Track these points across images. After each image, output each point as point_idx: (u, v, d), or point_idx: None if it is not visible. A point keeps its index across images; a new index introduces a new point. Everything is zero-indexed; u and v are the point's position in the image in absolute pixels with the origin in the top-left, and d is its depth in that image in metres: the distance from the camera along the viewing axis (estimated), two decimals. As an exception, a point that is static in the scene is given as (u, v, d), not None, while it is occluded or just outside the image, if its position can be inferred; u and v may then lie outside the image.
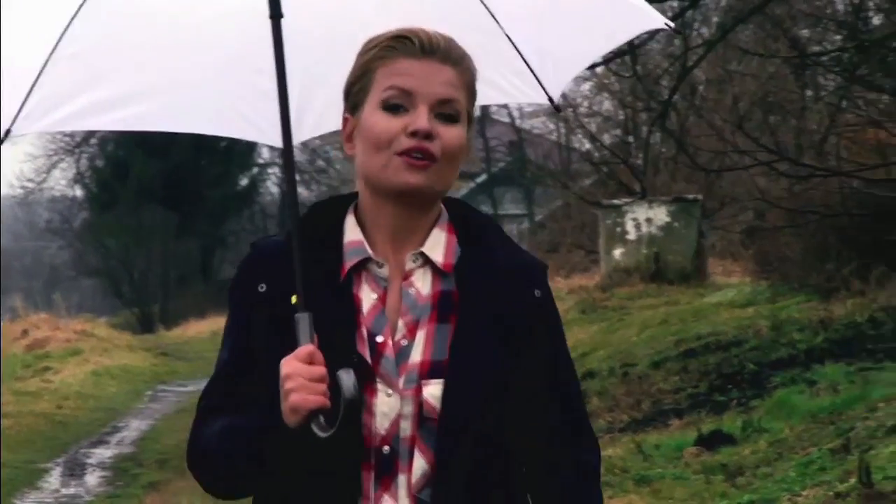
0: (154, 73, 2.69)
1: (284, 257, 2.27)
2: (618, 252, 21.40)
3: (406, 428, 2.23)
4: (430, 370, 2.23)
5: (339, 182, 36.40)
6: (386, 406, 2.23)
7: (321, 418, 2.14)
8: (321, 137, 2.89)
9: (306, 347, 2.17)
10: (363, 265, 2.29)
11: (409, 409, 2.22)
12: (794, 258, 15.09)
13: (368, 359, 2.23)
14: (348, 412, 2.13)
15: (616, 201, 22.14)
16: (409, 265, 2.29)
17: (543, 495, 2.33)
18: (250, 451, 2.22)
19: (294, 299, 2.21)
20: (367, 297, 2.27)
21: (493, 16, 2.71)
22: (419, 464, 2.23)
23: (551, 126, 31.93)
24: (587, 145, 28.46)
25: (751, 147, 13.03)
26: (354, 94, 2.30)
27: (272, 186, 42.86)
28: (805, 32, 15.64)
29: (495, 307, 2.26)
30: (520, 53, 2.73)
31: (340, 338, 2.22)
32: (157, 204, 37.04)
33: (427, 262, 2.29)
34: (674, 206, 21.29)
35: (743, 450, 8.63)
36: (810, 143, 15.99)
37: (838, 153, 14.20)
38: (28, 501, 11.02)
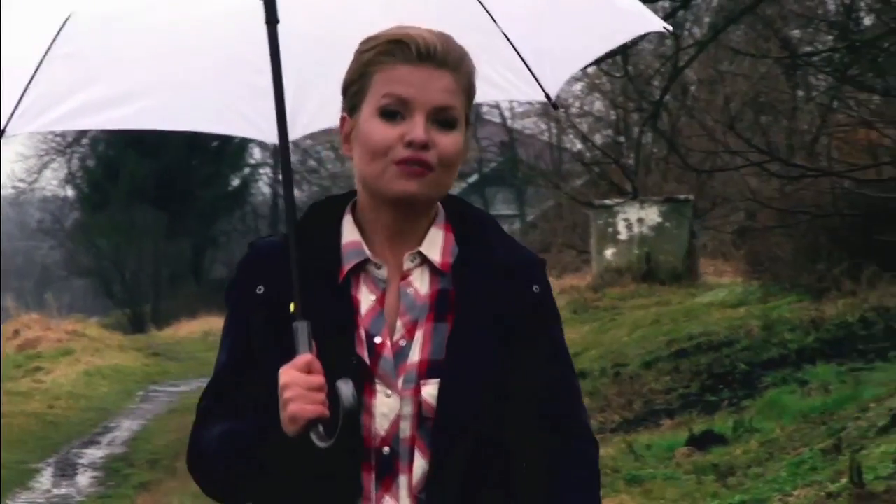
0: (153, 72, 2.69)
1: (283, 258, 2.27)
2: (609, 252, 21.40)
3: (406, 428, 2.23)
4: (428, 370, 2.23)
5: (331, 182, 36.30)
6: (385, 407, 2.23)
7: (320, 427, 2.14)
8: (312, 137, 2.90)
9: (304, 357, 2.17)
10: (362, 266, 2.29)
11: (408, 409, 2.22)
12: (785, 258, 15.09)
13: (367, 360, 2.23)
14: (347, 422, 2.13)
15: (607, 201, 22.16)
16: (407, 265, 2.29)
17: (542, 493, 2.31)
18: (249, 455, 2.22)
19: (292, 307, 2.21)
20: (366, 298, 2.27)
21: (490, 15, 2.71)
22: (419, 464, 2.23)
23: (543, 126, 31.95)
24: (579, 145, 28.47)
25: (742, 147, 13.05)
26: (352, 96, 2.29)
27: (264, 187, 42.79)
28: (796, 33, 15.67)
29: (493, 305, 2.26)
30: (517, 52, 2.73)
31: (339, 340, 2.22)
32: (149, 204, 36.91)
33: (425, 261, 2.29)
34: (665, 206, 21.29)
35: (734, 450, 8.63)
36: (801, 144, 16.04)
37: (829, 153, 14.23)
38: (19, 502, 11.00)
